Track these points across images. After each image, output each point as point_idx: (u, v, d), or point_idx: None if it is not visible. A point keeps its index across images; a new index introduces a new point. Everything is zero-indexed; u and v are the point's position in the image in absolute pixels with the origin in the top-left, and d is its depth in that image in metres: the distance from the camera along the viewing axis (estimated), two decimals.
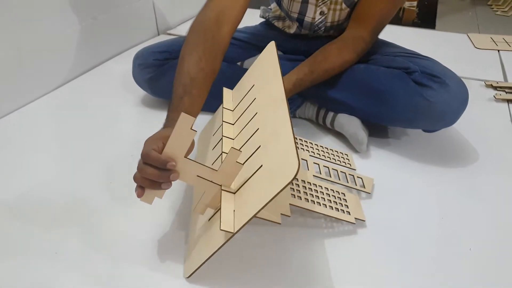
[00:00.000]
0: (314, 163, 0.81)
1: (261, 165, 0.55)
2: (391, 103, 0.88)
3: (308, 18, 1.01)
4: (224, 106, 0.74)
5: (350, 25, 0.96)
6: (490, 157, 0.93)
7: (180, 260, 0.64)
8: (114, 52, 1.45)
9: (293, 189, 0.69)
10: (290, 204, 0.65)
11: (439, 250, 0.68)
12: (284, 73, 1.04)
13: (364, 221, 0.72)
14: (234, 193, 0.59)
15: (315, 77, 0.90)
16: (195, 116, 0.66)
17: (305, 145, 0.86)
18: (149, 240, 0.68)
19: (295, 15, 1.02)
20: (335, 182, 0.78)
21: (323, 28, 1.03)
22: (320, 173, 0.79)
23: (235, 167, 0.57)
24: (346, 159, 0.87)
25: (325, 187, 0.74)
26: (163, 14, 1.68)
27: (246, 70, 1.09)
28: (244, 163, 0.58)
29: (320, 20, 1.01)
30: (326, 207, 0.69)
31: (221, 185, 0.59)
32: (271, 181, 0.50)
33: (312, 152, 0.84)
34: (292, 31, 1.08)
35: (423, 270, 0.65)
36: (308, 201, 0.68)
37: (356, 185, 0.79)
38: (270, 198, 0.48)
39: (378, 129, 1.00)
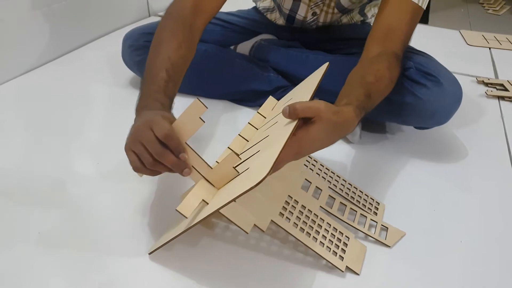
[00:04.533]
0: (329, 195, 0.73)
1: (248, 168, 0.54)
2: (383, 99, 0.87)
3: (299, 16, 1.00)
4: (258, 111, 0.73)
5: (376, 46, 0.77)
6: (481, 152, 0.93)
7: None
8: (102, 32, 1.40)
9: (286, 208, 0.64)
10: (273, 221, 0.61)
11: (430, 242, 0.68)
12: (276, 60, 1.02)
13: (358, 274, 0.61)
14: (218, 188, 0.58)
15: (373, 103, 0.67)
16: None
17: (329, 176, 0.77)
18: (134, 221, 0.67)
19: (287, 11, 1.00)
20: (345, 222, 0.69)
21: (314, 26, 1.02)
22: (331, 208, 0.70)
23: (230, 172, 0.55)
24: (375, 207, 0.74)
25: (327, 223, 0.66)
26: None
27: (239, 54, 1.08)
28: (237, 166, 0.57)
29: (312, 20, 0.99)
30: (315, 240, 0.62)
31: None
32: (243, 183, 0.50)
33: (334, 185, 0.75)
34: (280, 22, 1.06)
35: (414, 261, 0.64)
36: (296, 226, 0.62)
37: (374, 233, 0.68)
38: (232, 198, 0.48)
39: (374, 123, 0.99)
